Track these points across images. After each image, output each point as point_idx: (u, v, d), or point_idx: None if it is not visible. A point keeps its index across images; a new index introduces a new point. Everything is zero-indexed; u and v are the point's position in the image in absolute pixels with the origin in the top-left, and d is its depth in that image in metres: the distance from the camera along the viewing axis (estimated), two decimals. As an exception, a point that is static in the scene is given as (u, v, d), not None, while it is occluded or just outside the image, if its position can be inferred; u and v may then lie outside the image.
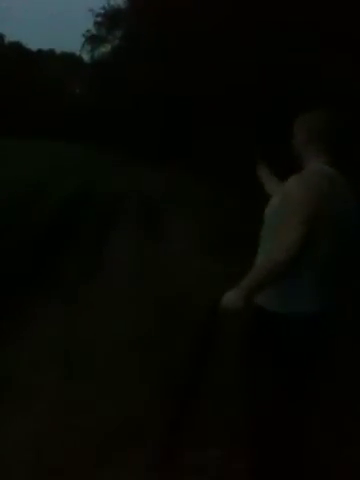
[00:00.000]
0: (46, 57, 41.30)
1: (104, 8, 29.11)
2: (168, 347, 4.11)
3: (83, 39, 32.83)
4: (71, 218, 7.82)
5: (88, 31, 32.38)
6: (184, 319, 4.57)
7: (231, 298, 2.16)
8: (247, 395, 2.36)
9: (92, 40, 33.21)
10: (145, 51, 15.87)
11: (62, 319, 4.61)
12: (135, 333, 4.38)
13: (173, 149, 13.16)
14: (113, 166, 10.55)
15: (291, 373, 2.22)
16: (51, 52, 43.11)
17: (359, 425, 3.02)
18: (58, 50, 46.13)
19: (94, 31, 32.00)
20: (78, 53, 36.02)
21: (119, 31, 28.02)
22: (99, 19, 30.58)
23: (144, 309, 4.83)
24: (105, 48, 31.80)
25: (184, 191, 9.15)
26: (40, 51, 42.28)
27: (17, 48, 43.48)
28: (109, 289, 5.39)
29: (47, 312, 4.75)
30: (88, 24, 48.75)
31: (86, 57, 35.17)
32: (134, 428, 3.11)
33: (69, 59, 40.62)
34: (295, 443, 2.32)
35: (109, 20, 30.14)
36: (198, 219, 7.85)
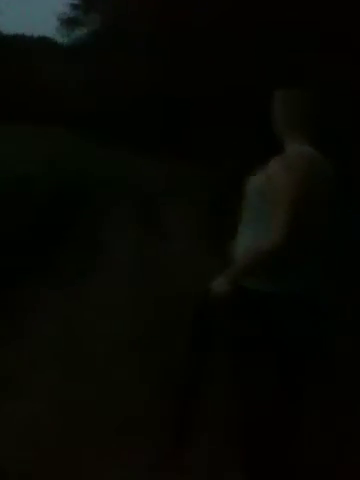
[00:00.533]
0: (21, 40, 40.35)
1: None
2: (167, 347, 4.16)
3: (58, 22, 32.07)
4: (67, 214, 7.79)
5: (63, 14, 31.60)
6: (184, 319, 4.62)
7: (220, 283, 2.21)
8: (237, 386, 2.39)
9: (68, 23, 32.38)
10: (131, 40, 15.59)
11: (60, 317, 4.66)
12: (134, 332, 4.43)
13: (170, 141, 13.00)
14: (105, 160, 10.40)
15: (282, 358, 2.25)
16: (26, 35, 42.18)
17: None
18: (34, 33, 45.21)
19: (70, 14, 31.23)
20: (53, 36, 35.22)
21: (96, 14, 27.44)
22: (75, 1, 29.87)
23: (143, 308, 4.88)
24: (81, 31, 31.09)
25: (184, 188, 9.11)
26: (15, 35, 41.30)
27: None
28: (108, 288, 5.42)
29: (45, 310, 4.79)
30: (63, 6, 47.58)
31: (61, 40, 34.36)
32: (133, 428, 3.17)
33: (44, 42, 39.75)
34: (288, 435, 2.34)
35: (85, 2, 29.45)
36: (198, 217, 7.95)
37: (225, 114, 9.96)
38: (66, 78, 29.31)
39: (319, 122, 2.33)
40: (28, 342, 4.22)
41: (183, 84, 11.65)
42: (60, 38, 34.68)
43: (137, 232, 7.49)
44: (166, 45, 12.57)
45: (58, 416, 3.25)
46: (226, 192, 7.27)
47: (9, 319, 4.58)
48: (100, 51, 20.85)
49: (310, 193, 2.13)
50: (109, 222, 7.82)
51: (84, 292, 5.33)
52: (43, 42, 39.59)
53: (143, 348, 4.17)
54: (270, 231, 2.10)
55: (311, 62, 6.82)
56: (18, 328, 4.45)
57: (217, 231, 6.58)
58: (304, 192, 2.10)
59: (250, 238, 2.27)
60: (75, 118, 25.52)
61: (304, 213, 2.10)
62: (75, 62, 29.05)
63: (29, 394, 3.47)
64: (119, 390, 3.59)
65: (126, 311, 4.85)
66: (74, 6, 29.84)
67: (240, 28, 8.76)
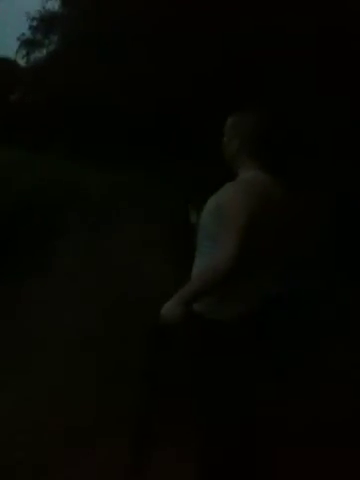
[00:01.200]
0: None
1: (40, 12, 28.50)
2: (116, 352, 4.14)
3: (18, 43, 31.98)
4: (19, 221, 7.70)
5: (23, 35, 31.56)
6: (135, 322, 4.61)
7: (169, 307, 2.19)
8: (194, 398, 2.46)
9: (27, 44, 32.35)
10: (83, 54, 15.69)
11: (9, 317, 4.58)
12: (84, 333, 4.40)
13: (120, 150, 13.06)
14: (57, 170, 10.38)
15: (235, 374, 2.32)
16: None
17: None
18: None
19: (29, 35, 31.23)
20: (13, 57, 35.11)
21: (55, 35, 27.49)
22: (34, 23, 29.90)
23: (93, 311, 4.85)
24: (41, 53, 31.10)
25: (135, 191, 9.14)
26: (-26, 56, 40.93)
27: None
28: (58, 291, 5.37)
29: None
30: (23, 28, 47.55)
31: (21, 61, 34.25)
32: (82, 430, 3.13)
33: (4, 63, 39.49)
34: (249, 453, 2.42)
35: (45, 24, 29.51)
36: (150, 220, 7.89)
37: (178, 124, 10.09)
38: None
39: (270, 146, 2.34)
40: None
41: (135, 98, 11.84)
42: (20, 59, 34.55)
43: (88, 238, 7.45)
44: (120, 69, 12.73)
45: (12, 414, 3.24)
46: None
47: None
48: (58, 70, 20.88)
49: (259, 217, 2.16)
50: (59, 228, 7.75)
51: (33, 298, 5.25)
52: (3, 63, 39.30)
53: (94, 354, 4.13)
54: (218, 258, 2.12)
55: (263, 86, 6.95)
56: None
57: (170, 238, 6.63)
58: (251, 218, 2.13)
59: (204, 260, 2.31)
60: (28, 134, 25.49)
61: (251, 238, 2.14)
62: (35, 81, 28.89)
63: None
64: (69, 389, 3.56)
65: (75, 317, 4.81)
66: (33, 28, 29.86)
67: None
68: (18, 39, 33.63)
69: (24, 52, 33.91)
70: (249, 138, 2.29)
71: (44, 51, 31.44)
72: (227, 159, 2.40)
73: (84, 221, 7.95)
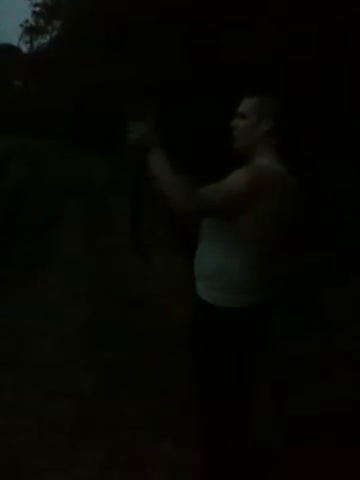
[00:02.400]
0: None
1: (43, -2, 28.47)
2: (114, 340, 4.12)
3: (21, 29, 32.00)
4: (16, 210, 7.67)
5: (26, 21, 31.55)
6: (134, 316, 4.59)
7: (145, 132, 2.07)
8: (196, 389, 2.41)
9: (30, 30, 32.35)
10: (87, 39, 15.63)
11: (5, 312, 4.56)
12: (83, 329, 4.37)
13: (118, 138, 13.05)
14: (58, 157, 10.34)
15: (235, 364, 2.26)
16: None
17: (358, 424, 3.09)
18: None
19: (32, 21, 31.23)
20: (16, 44, 35.11)
21: (58, 22, 27.44)
22: (38, 10, 29.86)
23: (92, 305, 4.82)
24: (44, 39, 31.08)
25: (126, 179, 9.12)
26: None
27: None
28: (56, 285, 5.34)
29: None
30: (26, 14, 47.62)
31: (25, 48, 34.19)
32: (84, 426, 3.11)
33: (7, 50, 39.47)
34: (245, 439, 2.38)
35: (48, 10, 29.48)
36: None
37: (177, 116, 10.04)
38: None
39: (283, 133, 2.24)
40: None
41: (138, 89, 11.76)
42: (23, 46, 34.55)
43: (86, 228, 7.43)
44: (127, 51, 12.63)
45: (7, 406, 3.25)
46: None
47: None
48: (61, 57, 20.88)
49: (262, 207, 2.09)
50: (58, 219, 7.74)
51: (33, 288, 5.22)
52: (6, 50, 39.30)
53: (91, 346, 4.11)
54: (233, 248, 2.11)
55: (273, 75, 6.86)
56: None
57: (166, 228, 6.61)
58: (252, 195, 2.05)
59: (209, 251, 2.25)
60: (30, 120, 25.51)
61: (252, 228, 2.10)
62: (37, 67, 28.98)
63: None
64: (68, 382, 3.54)
65: (75, 307, 4.79)
66: (36, 14, 29.82)
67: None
68: (21, 25, 33.65)
69: (27, 38, 33.95)
70: (264, 118, 2.16)
71: (47, 37, 31.47)
72: (240, 143, 2.24)
73: (85, 209, 7.91)
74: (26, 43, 33.07)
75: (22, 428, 3.07)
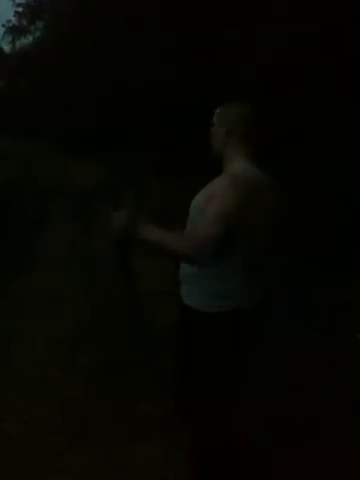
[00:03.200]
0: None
1: (26, -2, 28.17)
2: (102, 342, 4.11)
3: (3, 30, 31.66)
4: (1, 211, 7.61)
5: (9, 21, 31.20)
6: (120, 318, 4.58)
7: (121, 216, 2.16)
8: (179, 391, 2.48)
9: (13, 31, 31.99)
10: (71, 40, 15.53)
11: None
12: (68, 331, 4.35)
13: (105, 142, 12.97)
14: (44, 159, 10.28)
15: (219, 367, 2.28)
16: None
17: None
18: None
19: (15, 22, 30.88)
20: (-1, 43, 34.72)
21: (41, 22, 27.18)
22: (20, 9, 29.55)
23: (78, 307, 4.81)
24: (27, 39, 30.77)
25: (113, 182, 9.11)
26: None
27: None
28: (41, 287, 5.32)
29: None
30: (8, 14, 47.16)
31: (7, 48, 33.84)
32: (70, 430, 3.10)
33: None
34: (232, 440, 2.38)
35: (31, 10, 29.18)
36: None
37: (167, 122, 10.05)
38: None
39: (258, 138, 2.32)
40: None
41: (123, 90, 11.73)
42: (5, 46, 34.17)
43: (72, 230, 7.40)
44: (111, 53, 12.57)
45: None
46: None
47: None
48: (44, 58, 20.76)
49: (247, 214, 2.13)
50: (45, 220, 7.70)
51: (18, 290, 5.20)
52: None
53: (77, 346, 4.10)
54: (193, 244, 2.10)
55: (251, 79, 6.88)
56: None
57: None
58: (237, 214, 2.10)
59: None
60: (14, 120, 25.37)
61: (237, 233, 2.12)
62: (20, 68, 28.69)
63: None
64: (54, 388, 3.53)
65: (59, 309, 4.77)
66: (19, 14, 29.52)
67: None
68: (3, 26, 33.29)
69: (10, 39, 33.60)
70: (235, 124, 2.28)
71: (30, 38, 31.18)
72: (214, 148, 2.38)
73: (71, 210, 7.87)
74: (8, 43, 32.75)
75: (8, 433, 3.06)
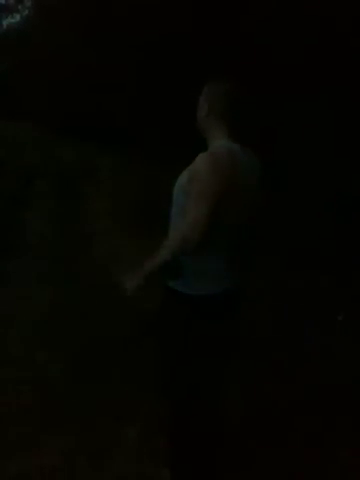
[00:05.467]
0: None
1: (12, -24, 27.80)
2: (83, 326, 4.07)
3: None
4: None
5: (-4, 0, 30.72)
6: (104, 300, 4.55)
7: (131, 278, 2.22)
8: (160, 375, 2.44)
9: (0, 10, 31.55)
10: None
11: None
12: (51, 315, 4.31)
13: (90, 122, 12.85)
14: (27, 141, 10.17)
15: (201, 351, 2.27)
16: None
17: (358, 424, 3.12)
18: None
19: (2, 1, 30.47)
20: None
21: (28, 1, 26.79)
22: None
23: (62, 290, 4.77)
24: (14, 18, 30.39)
25: (97, 164, 9.04)
26: None
27: None
28: (24, 270, 5.27)
29: None
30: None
31: (-6, 27, 33.33)
32: (50, 412, 3.08)
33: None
34: (211, 428, 2.41)
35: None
36: (113, 193, 7.76)
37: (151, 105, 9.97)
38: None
39: (240, 116, 2.32)
40: None
41: (110, 71, 11.61)
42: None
43: (56, 211, 7.32)
44: (94, 37, 12.44)
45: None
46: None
47: None
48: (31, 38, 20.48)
49: (230, 190, 2.12)
50: (28, 202, 7.60)
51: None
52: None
53: (60, 329, 4.07)
54: (187, 227, 2.07)
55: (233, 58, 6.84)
56: None
57: (140, 213, 6.57)
58: (223, 190, 2.10)
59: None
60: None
61: (224, 213, 2.10)
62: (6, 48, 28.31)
63: None
64: (36, 372, 3.50)
65: (43, 292, 4.72)
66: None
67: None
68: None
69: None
70: (217, 101, 2.29)
71: (18, 17, 30.77)
72: (197, 125, 2.39)
73: (55, 193, 7.79)
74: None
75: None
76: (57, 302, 4.51)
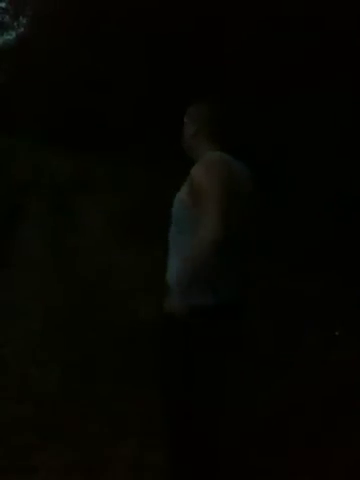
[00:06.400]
0: None
1: (9, -6, 28.01)
2: (79, 340, 4.06)
3: (-13, 25, 31.44)
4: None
5: (-7, 17, 30.96)
6: (99, 315, 4.54)
7: (173, 303, 2.12)
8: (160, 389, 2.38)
9: (-4, 26, 31.70)
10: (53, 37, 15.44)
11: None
12: (45, 326, 4.30)
13: (86, 135, 12.90)
14: (21, 153, 10.18)
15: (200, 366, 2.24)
16: None
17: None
18: None
19: (-1, 18, 30.65)
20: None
21: (24, 18, 26.99)
22: (3, 5, 29.29)
23: (56, 301, 4.75)
24: (10, 35, 30.56)
25: (93, 176, 9.03)
26: None
27: None
28: (20, 283, 5.25)
29: None
30: (-8, 10, 46.90)
31: (-10, 43, 33.51)
32: (46, 422, 3.06)
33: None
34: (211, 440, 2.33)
35: (14, 6, 28.95)
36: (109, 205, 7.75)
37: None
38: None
39: (226, 136, 2.34)
40: None
41: (99, 88, 11.75)
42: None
43: (51, 226, 7.30)
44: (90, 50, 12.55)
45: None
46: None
47: None
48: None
49: (232, 189, 2.11)
50: (23, 216, 7.58)
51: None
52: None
53: (52, 343, 4.05)
54: (205, 232, 2.04)
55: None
56: None
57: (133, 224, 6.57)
58: (227, 187, 2.09)
59: (174, 253, 2.25)
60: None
61: (229, 211, 2.07)
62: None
63: None
64: (30, 381, 3.48)
65: (37, 304, 4.70)
66: (2, 10, 29.34)
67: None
68: (-14, 21, 33.06)
69: (-7, 34, 33.36)
70: (203, 122, 2.31)
71: (13, 34, 30.98)
72: (184, 144, 2.40)
73: (50, 207, 7.78)
74: (-8, 39, 32.52)
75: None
76: (51, 315, 4.48)
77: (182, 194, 2.22)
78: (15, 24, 29.73)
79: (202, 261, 2.07)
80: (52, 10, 16.32)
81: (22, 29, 28.20)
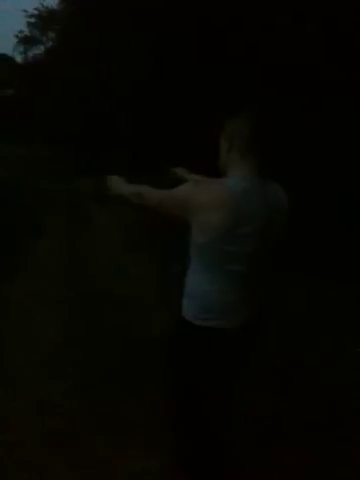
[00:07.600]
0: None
1: (37, 9, 28.66)
2: (89, 348, 4.06)
3: (15, 40, 32.26)
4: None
5: (21, 32, 31.72)
6: (109, 319, 4.54)
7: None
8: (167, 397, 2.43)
9: (25, 41, 32.55)
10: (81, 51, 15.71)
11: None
12: (57, 333, 4.31)
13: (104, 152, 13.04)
14: (42, 164, 10.30)
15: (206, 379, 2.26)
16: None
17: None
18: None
19: (27, 32, 31.40)
20: (11, 54, 35.26)
21: (52, 32, 27.59)
22: (32, 20, 29.99)
23: (67, 310, 4.76)
24: (39, 49, 31.26)
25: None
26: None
27: None
28: (31, 289, 5.28)
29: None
30: (20, 25, 48.16)
31: (19, 58, 34.32)
32: (57, 431, 3.06)
33: (1, 60, 39.65)
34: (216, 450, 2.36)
35: (42, 21, 29.64)
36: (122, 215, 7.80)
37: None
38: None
39: (261, 151, 2.21)
40: None
41: (114, 97, 11.89)
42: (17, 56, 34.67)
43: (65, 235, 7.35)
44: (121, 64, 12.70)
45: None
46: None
47: None
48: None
49: (230, 223, 2.07)
50: (38, 225, 7.65)
51: (6, 295, 5.15)
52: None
53: (64, 348, 4.06)
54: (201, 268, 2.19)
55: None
56: None
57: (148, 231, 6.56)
58: (199, 201, 2.10)
59: (191, 269, 2.27)
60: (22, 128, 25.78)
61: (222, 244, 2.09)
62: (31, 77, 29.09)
63: None
64: (39, 391, 3.48)
65: (48, 312, 4.73)
66: (31, 25, 30.01)
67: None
68: (16, 36, 33.73)
69: (21, 49, 34.04)
70: (235, 140, 2.22)
71: (42, 48, 31.59)
72: (220, 163, 2.31)
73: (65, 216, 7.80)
74: (20, 53, 33.26)
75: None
76: (63, 325, 4.50)
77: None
78: (44, 39, 30.50)
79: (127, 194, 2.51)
80: (80, 25, 16.64)
81: (50, 43, 28.91)
